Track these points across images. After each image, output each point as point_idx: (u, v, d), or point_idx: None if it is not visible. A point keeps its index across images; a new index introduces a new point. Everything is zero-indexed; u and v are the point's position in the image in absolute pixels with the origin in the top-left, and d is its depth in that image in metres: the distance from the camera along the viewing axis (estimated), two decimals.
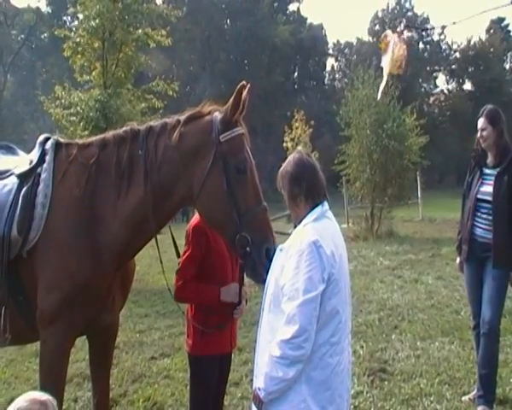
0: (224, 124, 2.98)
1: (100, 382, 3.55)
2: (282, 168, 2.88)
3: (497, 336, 4.57)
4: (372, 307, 8.01)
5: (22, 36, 50.66)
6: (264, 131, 45.91)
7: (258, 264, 2.89)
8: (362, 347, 6.10)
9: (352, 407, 4.51)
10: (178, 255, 3.40)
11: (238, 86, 2.93)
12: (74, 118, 11.92)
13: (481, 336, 4.57)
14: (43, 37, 50.67)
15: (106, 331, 3.47)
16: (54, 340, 3.11)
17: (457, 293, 8.65)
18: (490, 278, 4.49)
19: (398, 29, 2.12)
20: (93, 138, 3.34)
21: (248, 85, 3.01)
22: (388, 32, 2.08)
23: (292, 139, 22.74)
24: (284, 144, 22.99)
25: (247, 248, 2.88)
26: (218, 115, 3.03)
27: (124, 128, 3.24)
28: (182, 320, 7.59)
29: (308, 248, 2.55)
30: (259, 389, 2.57)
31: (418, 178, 20.26)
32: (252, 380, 5.35)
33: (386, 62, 2.16)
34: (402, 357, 5.90)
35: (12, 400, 4.98)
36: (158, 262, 9.24)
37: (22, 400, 2.08)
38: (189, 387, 3.70)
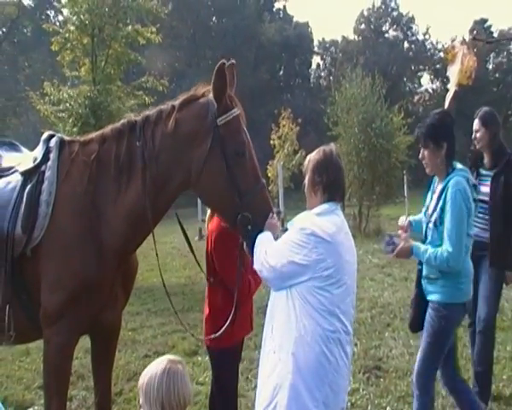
0: (219, 106, 2.97)
1: (102, 380, 3.53)
2: (311, 154, 2.98)
3: (493, 333, 4.65)
4: (364, 304, 8.06)
5: (4, 29, 49.88)
6: (250, 128, 45.47)
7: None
8: (356, 344, 6.13)
9: (348, 404, 4.55)
10: (189, 242, 3.48)
11: (218, 64, 2.93)
12: (63, 114, 11.80)
13: (477, 334, 4.64)
14: (25, 31, 49.95)
15: (108, 330, 3.45)
16: (57, 339, 3.09)
17: None
18: (486, 277, 4.55)
19: (467, 39, 2.15)
20: (93, 134, 3.32)
21: (231, 62, 3.05)
22: (456, 43, 2.11)
23: (279, 137, 22.80)
24: (271, 142, 23.03)
25: (249, 227, 2.92)
26: (212, 97, 3.02)
27: (121, 121, 3.23)
28: (174, 318, 7.58)
29: (299, 231, 2.70)
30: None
31: (405, 176, 20.41)
32: (247, 378, 5.40)
33: (453, 72, 2.18)
34: (396, 354, 5.96)
35: (5, 399, 4.99)
36: (146, 259, 9.15)
37: (163, 361, 2.21)
38: (217, 383, 3.66)
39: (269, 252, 2.76)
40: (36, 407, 4.82)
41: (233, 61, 3.11)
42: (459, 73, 2.07)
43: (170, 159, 3.04)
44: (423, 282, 3.70)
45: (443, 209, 3.48)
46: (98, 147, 3.17)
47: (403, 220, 3.81)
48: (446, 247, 3.40)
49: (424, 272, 3.67)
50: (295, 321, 2.65)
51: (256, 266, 2.84)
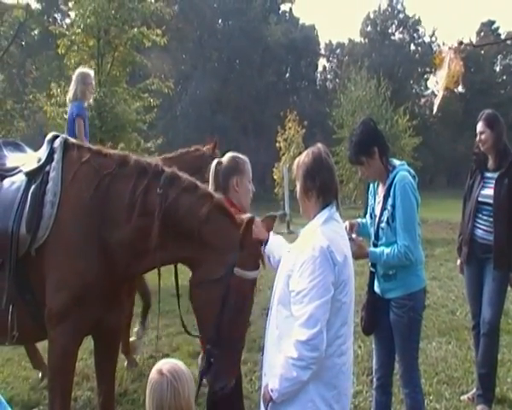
0: (241, 256, 2.92)
1: (105, 381, 3.55)
2: (299, 159, 2.87)
3: (497, 336, 4.63)
4: None
5: (11, 32, 50.23)
6: (256, 130, 45.91)
7: (215, 379, 2.95)
8: (360, 347, 6.11)
9: (351, 406, 4.53)
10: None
11: (245, 222, 2.91)
12: None
13: (481, 336, 4.62)
14: (33, 34, 50.20)
15: (112, 331, 3.47)
16: (62, 340, 3.12)
17: (452, 293, 8.71)
18: (490, 279, 4.54)
19: (453, 45, 2.17)
20: (111, 151, 3.35)
21: (273, 215, 3.13)
22: (443, 47, 2.13)
23: (285, 140, 22.80)
24: (277, 144, 23.04)
25: (211, 360, 2.93)
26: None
27: (146, 159, 3.27)
28: (178, 320, 7.55)
29: (321, 254, 2.57)
30: (272, 391, 2.58)
31: None
32: (251, 379, 5.40)
33: (441, 77, 2.20)
34: None
35: (11, 399, 5.02)
36: None
37: (152, 372, 2.20)
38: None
39: (301, 331, 2.52)
40: (41, 408, 4.83)
41: (275, 214, 3.16)
42: (446, 77, 2.09)
43: (187, 234, 3.00)
44: (379, 282, 3.73)
45: (394, 206, 3.52)
46: (115, 166, 3.17)
47: (347, 225, 3.73)
48: (402, 241, 3.45)
49: (381, 272, 3.68)
50: None
51: (306, 372, 2.54)
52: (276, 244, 3.02)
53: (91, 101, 5.83)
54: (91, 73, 6.06)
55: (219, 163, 3.56)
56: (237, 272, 2.92)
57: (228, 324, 2.91)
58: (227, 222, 3.01)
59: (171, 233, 3.02)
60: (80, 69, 6.22)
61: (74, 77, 6.04)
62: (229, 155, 3.60)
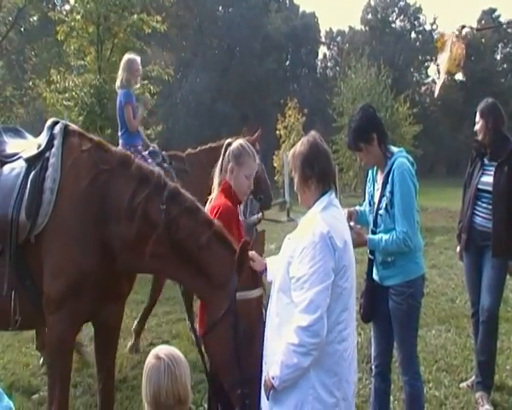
0: (240, 280, 2.90)
1: (105, 367, 3.56)
2: (294, 149, 2.86)
3: (496, 323, 4.64)
4: None
5: (10, 18, 49.79)
6: (256, 118, 45.70)
7: None
8: (359, 334, 6.10)
9: None
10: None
11: (239, 249, 2.89)
12: (69, 103, 11.84)
13: (480, 324, 4.62)
14: (32, 20, 49.81)
15: (111, 319, 3.48)
16: (59, 326, 3.12)
17: (452, 282, 8.73)
18: (489, 267, 4.54)
19: (457, 29, 2.15)
20: (113, 148, 3.32)
21: (263, 230, 3.17)
22: (445, 31, 2.12)
23: (285, 127, 22.76)
24: (277, 132, 23.00)
25: (247, 401, 2.85)
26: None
27: (150, 167, 3.22)
28: (179, 307, 7.60)
29: (321, 239, 2.57)
30: (273, 378, 2.58)
31: None
32: None
33: (443, 61, 2.18)
34: None
35: (11, 385, 5.03)
36: None
37: (148, 356, 2.21)
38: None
39: (301, 317, 2.52)
40: (42, 393, 4.85)
41: (264, 230, 3.18)
42: (448, 60, 2.08)
43: (186, 255, 2.99)
44: (378, 269, 3.72)
45: (392, 192, 3.51)
46: (115, 165, 3.14)
47: (345, 213, 3.72)
48: (401, 227, 3.44)
49: (379, 259, 3.68)
50: None
51: (307, 359, 2.54)
52: (273, 269, 2.97)
53: (125, 84, 5.80)
54: (137, 58, 6.00)
55: (229, 144, 3.55)
56: (240, 295, 2.89)
57: (247, 352, 2.86)
58: (225, 250, 2.98)
59: (169, 250, 3.00)
60: (127, 55, 6.15)
61: (121, 64, 6.03)
62: (239, 141, 3.57)
